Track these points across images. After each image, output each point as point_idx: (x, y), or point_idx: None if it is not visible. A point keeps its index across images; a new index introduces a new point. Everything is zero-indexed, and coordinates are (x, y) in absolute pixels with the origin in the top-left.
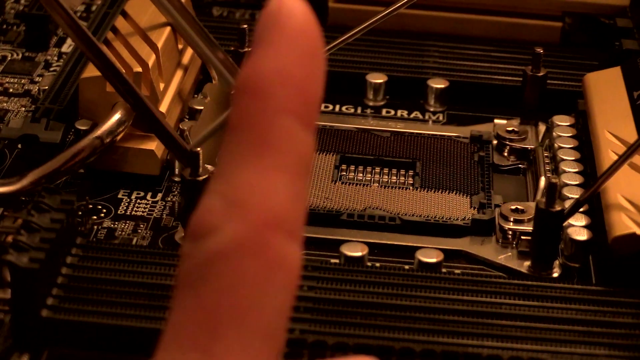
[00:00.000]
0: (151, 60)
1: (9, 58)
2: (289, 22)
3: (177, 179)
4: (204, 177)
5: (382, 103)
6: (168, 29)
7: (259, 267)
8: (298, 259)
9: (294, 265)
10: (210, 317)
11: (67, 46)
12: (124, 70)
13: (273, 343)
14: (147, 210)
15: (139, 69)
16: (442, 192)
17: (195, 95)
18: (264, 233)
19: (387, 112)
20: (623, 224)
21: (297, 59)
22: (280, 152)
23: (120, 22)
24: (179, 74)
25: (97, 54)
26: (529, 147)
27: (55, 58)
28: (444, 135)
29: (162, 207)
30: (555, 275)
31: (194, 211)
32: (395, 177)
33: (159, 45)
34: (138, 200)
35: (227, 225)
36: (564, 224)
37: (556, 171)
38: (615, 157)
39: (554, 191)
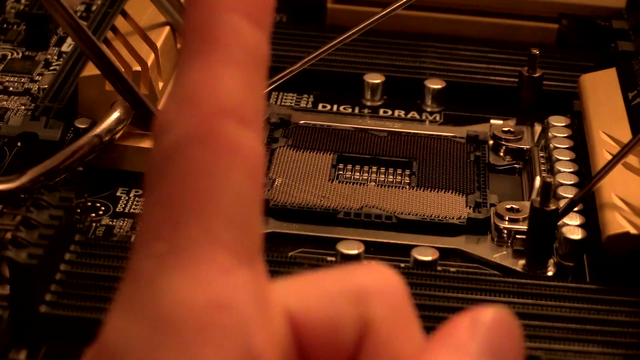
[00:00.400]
0: (150, 59)
1: (9, 57)
2: None
3: None
4: None
5: (379, 103)
6: (167, 28)
7: (210, 154)
8: (255, 146)
9: (250, 151)
10: (170, 209)
11: (67, 45)
12: (123, 69)
13: (238, 229)
14: None
15: (138, 68)
16: (438, 192)
17: None
18: (212, 122)
19: (385, 112)
20: (617, 223)
21: None
22: (227, 47)
23: (119, 22)
24: None
25: (96, 52)
26: (525, 147)
27: (55, 57)
28: (440, 135)
29: None
30: (550, 273)
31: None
32: (392, 177)
33: (158, 44)
34: (137, 198)
35: (177, 121)
36: (558, 223)
37: (551, 171)
38: (610, 157)
39: (548, 190)
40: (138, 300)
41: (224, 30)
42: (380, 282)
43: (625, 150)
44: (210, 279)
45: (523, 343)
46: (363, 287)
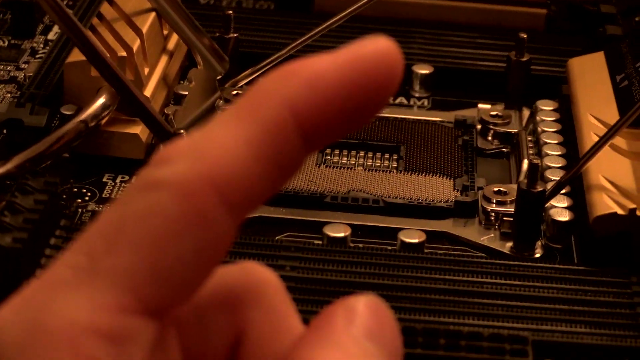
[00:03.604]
0: (136, 45)
1: None
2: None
3: None
4: None
5: None
6: (153, 14)
7: (179, 212)
8: (227, 231)
9: (217, 232)
10: (117, 232)
11: (53, 34)
12: (108, 55)
13: (160, 286)
14: None
15: (124, 54)
16: (425, 175)
17: (182, 81)
18: (203, 186)
19: None
20: (604, 204)
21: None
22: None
23: (105, 8)
24: (164, 59)
25: (81, 38)
26: (513, 131)
27: (42, 45)
28: (428, 120)
29: None
30: (538, 255)
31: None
32: (379, 161)
33: (144, 30)
34: (123, 184)
35: (177, 162)
36: (546, 205)
37: (539, 154)
38: (597, 140)
39: (535, 172)
40: (35, 301)
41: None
42: (252, 283)
43: (612, 132)
44: (105, 309)
45: (398, 327)
46: (234, 293)
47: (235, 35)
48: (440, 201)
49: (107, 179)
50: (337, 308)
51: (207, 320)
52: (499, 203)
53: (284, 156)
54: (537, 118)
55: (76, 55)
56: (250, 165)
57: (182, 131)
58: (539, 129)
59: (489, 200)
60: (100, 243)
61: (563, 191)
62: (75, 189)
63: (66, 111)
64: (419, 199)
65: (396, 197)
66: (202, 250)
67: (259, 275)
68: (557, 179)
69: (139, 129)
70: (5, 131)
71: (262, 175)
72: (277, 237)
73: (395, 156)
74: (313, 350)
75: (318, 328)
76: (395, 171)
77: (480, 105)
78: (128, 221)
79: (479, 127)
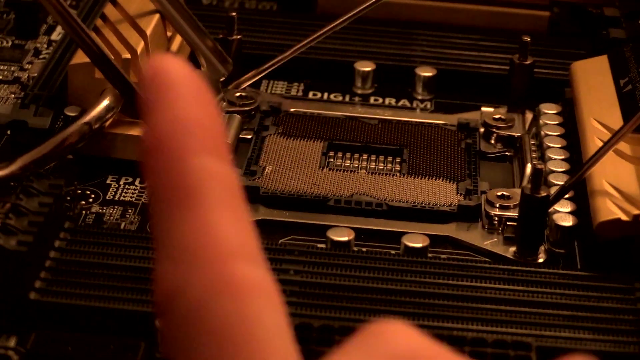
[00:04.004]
0: (140, 47)
1: None
2: (167, 76)
3: None
4: None
5: (370, 91)
6: (157, 16)
7: (238, 303)
8: (270, 279)
9: (269, 286)
10: None
11: (57, 34)
12: (112, 57)
13: None
14: (135, 195)
15: (128, 56)
16: (428, 179)
17: None
18: (223, 270)
19: (375, 99)
20: (608, 209)
21: (186, 104)
22: (207, 191)
23: (109, 10)
24: None
25: (85, 40)
26: (516, 134)
27: (45, 46)
28: (431, 123)
29: None
30: (541, 260)
31: (153, 289)
32: (382, 164)
33: (148, 32)
34: (127, 186)
35: (188, 282)
36: (549, 210)
37: (542, 158)
38: (601, 144)
39: (539, 177)
40: None
41: (198, 175)
42: (407, 343)
43: (617, 137)
44: None
45: None
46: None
47: (238, 37)
48: (444, 205)
49: (111, 180)
50: None
51: None
52: (502, 207)
53: (231, 191)
54: (540, 121)
55: (80, 57)
56: (225, 224)
57: None
58: (542, 133)
59: (492, 205)
60: None
61: (566, 196)
62: (79, 191)
63: (70, 113)
64: (422, 203)
65: (399, 201)
66: (278, 308)
67: (407, 335)
68: (561, 183)
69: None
70: (9, 132)
71: (237, 221)
72: (280, 241)
73: (398, 159)
74: None
75: None
76: (398, 174)
77: (483, 109)
78: (217, 353)
79: (482, 130)
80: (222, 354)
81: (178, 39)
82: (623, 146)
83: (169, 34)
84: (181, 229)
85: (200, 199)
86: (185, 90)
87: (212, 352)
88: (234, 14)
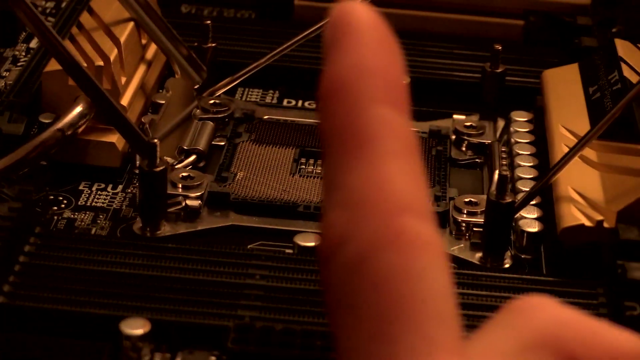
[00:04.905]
0: (113, 54)
1: None
2: (354, 21)
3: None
4: (161, 168)
5: None
6: (131, 24)
7: (403, 257)
8: (438, 237)
9: (437, 244)
10: (379, 322)
11: (35, 42)
12: (85, 64)
13: (447, 325)
14: (107, 201)
15: (101, 63)
16: None
17: (160, 90)
18: (394, 224)
19: None
20: (572, 215)
21: (370, 51)
22: (383, 141)
23: (85, 18)
24: (142, 68)
25: (56, 47)
26: (487, 141)
27: (24, 53)
28: None
29: (122, 199)
30: (507, 266)
31: (320, 233)
32: None
33: (122, 39)
34: (99, 192)
35: (355, 229)
36: (516, 216)
37: (512, 165)
38: (568, 151)
39: (504, 183)
40: None
41: (375, 124)
42: (553, 318)
43: (582, 143)
44: None
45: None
46: (544, 334)
47: (213, 45)
48: None
49: (84, 187)
50: None
51: None
52: (469, 213)
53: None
54: (511, 129)
55: (54, 64)
56: (398, 174)
57: (155, 141)
58: (512, 140)
59: (459, 211)
60: (380, 344)
61: (533, 202)
62: (52, 197)
63: (45, 119)
64: None
65: None
66: (444, 267)
67: (554, 310)
68: (528, 190)
69: (115, 138)
70: None
71: (410, 173)
72: (249, 246)
73: None
74: None
75: None
76: None
77: (455, 116)
78: (378, 306)
79: (453, 137)
80: (381, 308)
81: (153, 46)
82: (589, 152)
83: (143, 41)
84: (354, 177)
85: (376, 148)
86: (371, 37)
87: (371, 306)
88: (208, 22)
